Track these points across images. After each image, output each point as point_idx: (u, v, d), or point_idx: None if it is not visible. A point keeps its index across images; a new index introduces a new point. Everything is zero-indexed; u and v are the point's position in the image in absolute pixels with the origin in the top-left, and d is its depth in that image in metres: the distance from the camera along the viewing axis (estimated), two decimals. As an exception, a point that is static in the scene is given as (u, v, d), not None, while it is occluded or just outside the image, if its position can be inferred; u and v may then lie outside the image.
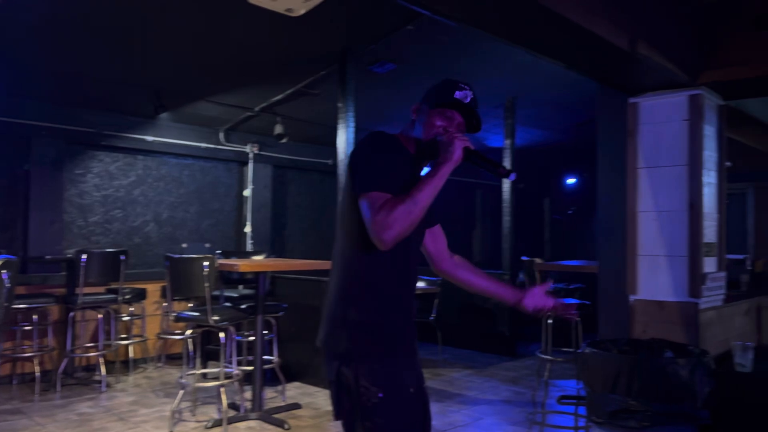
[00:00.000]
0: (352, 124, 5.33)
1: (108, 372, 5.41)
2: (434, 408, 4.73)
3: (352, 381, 1.70)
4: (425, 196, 1.66)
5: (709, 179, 3.40)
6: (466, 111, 1.83)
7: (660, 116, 3.43)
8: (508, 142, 7.08)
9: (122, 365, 5.85)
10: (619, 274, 3.58)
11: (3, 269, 2.49)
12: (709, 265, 3.38)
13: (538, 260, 5.32)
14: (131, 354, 5.92)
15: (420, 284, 6.68)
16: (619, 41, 2.71)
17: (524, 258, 5.53)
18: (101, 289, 5.43)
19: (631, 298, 3.53)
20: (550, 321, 5.34)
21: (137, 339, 6.03)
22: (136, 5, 4.34)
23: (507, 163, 7.11)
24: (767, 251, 7.06)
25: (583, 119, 7.76)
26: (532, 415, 4.68)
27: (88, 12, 4.37)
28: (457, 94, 1.82)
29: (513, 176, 1.86)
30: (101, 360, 5.31)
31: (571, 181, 10.66)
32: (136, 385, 5.34)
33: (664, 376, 2.90)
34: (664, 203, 3.43)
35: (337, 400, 1.78)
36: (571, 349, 5.69)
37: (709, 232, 3.38)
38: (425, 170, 1.82)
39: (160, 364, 6.14)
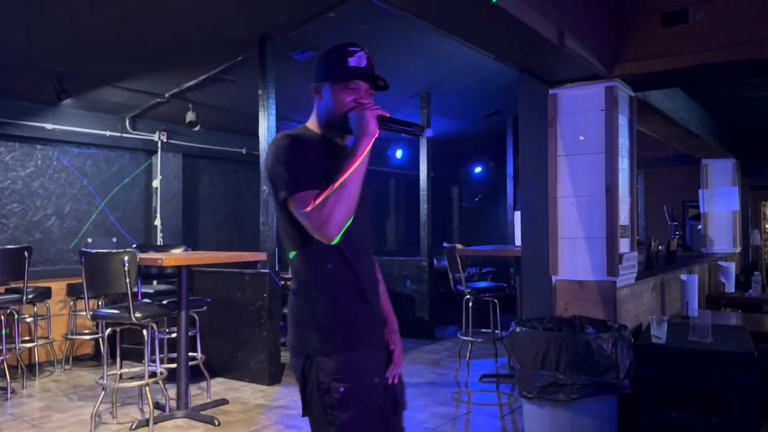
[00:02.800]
0: (273, 112, 5.23)
1: (11, 377, 5.01)
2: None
3: (314, 377, 1.71)
4: (352, 179, 1.64)
5: (623, 165, 3.65)
6: (368, 74, 1.78)
7: (578, 106, 3.64)
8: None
9: (27, 369, 5.44)
10: (542, 256, 3.77)
11: None
12: (624, 245, 3.63)
13: (459, 246, 5.49)
14: (36, 357, 5.52)
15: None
16: (548, 33, 2.84)
17: (446, 244, 5.69)
18: (1, 289, 5.01)
19: (554, 278, 3.73)
20: (471, 305, 5.54)
21: (42, 341, 5.63)
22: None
23: (423, 154, 7.26)
24: (657, 232, 7.68)
25: (492, 109, 8.07)
26: (457, 395, 4.85)
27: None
28: (351, 62, 1.76)
29: (428, 132, 1.88)
30: (4, 364, 4.91)
31: (478, 169, 11.04)
32: (44, 390, 4.99)
33: (589, 351, 3.10)
34: (582, 188, 3.64)
35: (303, 397, 1.77)
36: (488, 330, 5.93)
37: (623, 215, 3.64)
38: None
39: (67, 367, 5.77)
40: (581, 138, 3.63)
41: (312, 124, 1.84)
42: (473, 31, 2.95)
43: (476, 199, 11.05)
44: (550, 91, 3.73)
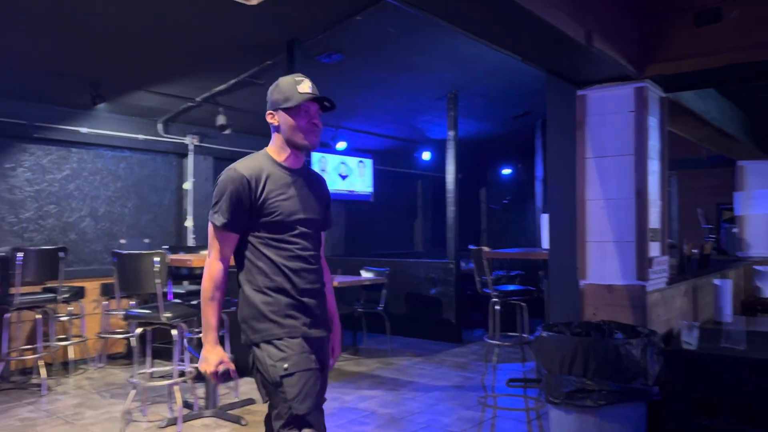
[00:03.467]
0: (300, 115, 5.27)
1: (47, 374, 5.15)
2: (388, 396, 4.81)
3: (260, 362, 2.05)
4: (203, 313, 2.11)
5: (653, 168, 3.59)
6: (316, 97, 2.07)
7: (607, 108, 3.59)
8: (451, 133, 7.20)
9: (62, 367, 5.59)
10: (570, 260, 3.73)
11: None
12: (654, 249, 3.57)
13: (486, 249, 5.46)
14: (71, 355, 5.66)
15: (368, 275, 6.71)
16: (576, 34, 2.81)
17: (472, 246, 5.65)
18: (38, 288, 5.16)
19: (582, 282, 3.68)
20: (498, 307, 5.50)
21: (77, 339, 5.77)
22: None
23: (450, 156, 7.23)
24: (690, 236, 7.51)
25: (520, 111, 8.01)
26: (483, 399, 4.82)
27: (18, 4, 4.12)
28: (301, 88, 2.06)
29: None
30: (40, 362, 5.06)
31: (506, 171, 10.96)
32: (78, 387, 5.12)
33: (618, 356, 3.05)
34: (611, 191, 3.59)
35: (258, 383, 2.08)
36: (516, 334, 5.88)
37: (654, 218, 3.57)
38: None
39: (100, 365, 5.90)
40: (608, 142, 3.58)
41: (271, 149, 2.14)
42: (499, 34, 2.94)
43: (504, 202, 10.97)
44: (579, 92, 3.69)
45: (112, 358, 6.17)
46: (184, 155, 7.24)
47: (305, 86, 2.07)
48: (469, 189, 10.54)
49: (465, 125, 8.26)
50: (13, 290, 4.74)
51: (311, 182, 2.20)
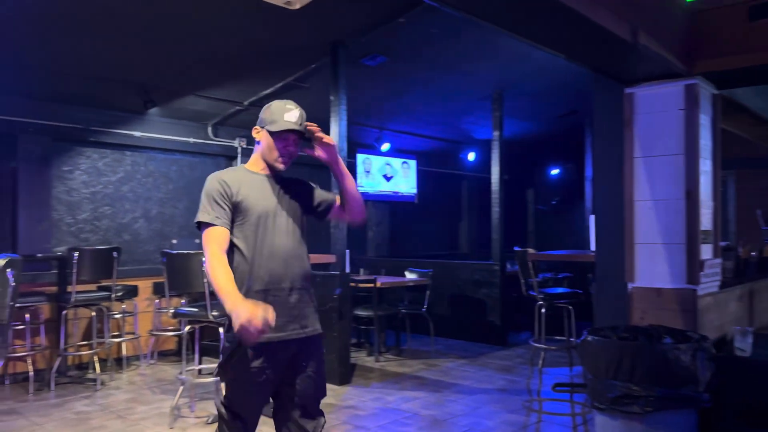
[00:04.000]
0: (344, 118, 5.32)
1: (101, 370, 5.36)
2: (431, 398, 4.79)
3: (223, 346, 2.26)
4: (215, 286, 2.11)
5: (705, 167, 3.46)
6: (296, 130, 2.24)
7: (656, 106, 3.48)
8: (496, 134, 7.12)
9: (115, 363, 5.80)
10: (617, 263, 3.63)
11: (7, 268, 2.46)
12: (706, 252, 3.44)
13: (531, 250, 5.38)
14: (124, 351, 5.86)
15: (411, 276, 6.71)
16: (621, 31, 2.74)
17: (517, 248, 5.58)
18: (93, 287, 5.36)
19: (629, 285, 3.59)
20: (543, 311, 5.41)
21: (129, 336, 5.98)
22: (124, 4, 4.27)
23: (495, 156, 7.15)
24: (748, 238, 7.21)
25: (567, 110, 7.85)
26: (528, 403, 4.74)
27: (76, 8, 4.29)
28: (287, 117, 2.24)
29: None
30: (95, 358, 5.26)
31: (554, 171, 10.76)
32: (130, 383, 5.30)
33: (666, 362, 2.95)
34: (661, 191, 3.48)
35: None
36: (563, 338, 5.77)
37: (706, 219, 3.45)
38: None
39: (152, 361, 6.09)
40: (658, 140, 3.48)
41: (250, 163, 2.36)
42: (541, 32, 2.89)
43: (553, 202, 10.78)
44: (626, 90, 3.60)
45: (163, 355, 6.36)
46: (233, 158, 7.40)
47: (292, 116, 2.24)
48: (516, 190, 10.41)
49: (511, 125, 8.16)
50: (70, 288, 4.95)
51: (287, 184, 2.37)
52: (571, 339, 5.55)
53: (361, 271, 6.68)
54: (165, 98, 6.14)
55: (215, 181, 2.24)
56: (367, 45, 5.38)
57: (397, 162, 8.89)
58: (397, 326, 6.69)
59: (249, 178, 2.29)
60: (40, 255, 5.29)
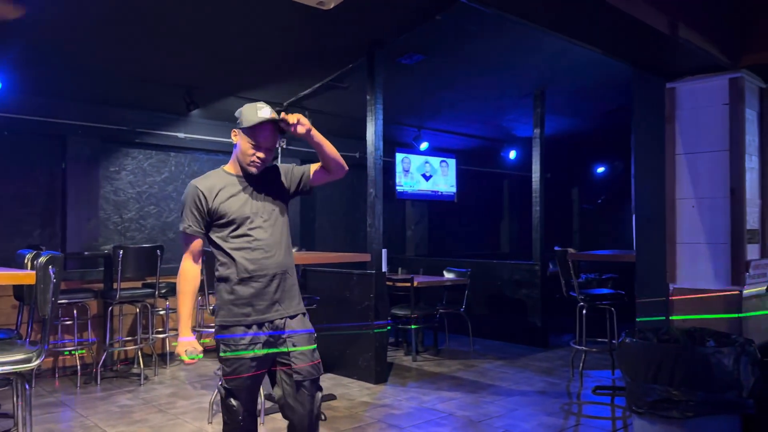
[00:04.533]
0: (380, 117, 5.33)
1: (145, 365, 5.51)
2: (468, 399, 4.75)
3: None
4: (177, 302, 2.45)
5: (751, 164, 3.32)
6: (270, 122, 2.37)
7: (699, 101, 3.36)
8: (537, 131, 7.01)
9: (159, 358, 5.96)
10: (658, 263, 3.53)
11: (49, 265, 2.55)
12: (752, 252, 3.30)
13: (571, 250, 5.27)
14: (167, 347, 6.02)
15: (449, 276, 6.67)
16: (659, 24, 2.66)
17: (557, 248, 5.48)
18: (138, 284, 5.52)
19: (671, 286, 3.48)
20: (585, 312, 5.29)
21: (173, 332, 6.13)
22: (166, 4, 4.38)
23: (536, 154, 7.04)
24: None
25: (613, 107, 7.65)
26: (567, 406, 4.65)
27: (121, 13, 4.43)
28: (260, 114, 2.36)
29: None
30: (139, 353, 5.42)
31: (600, 169, 10.51)
32: (173, 378, 5.44)
33: (708, 366, 2.85)
34: (704, 189, 3.36)
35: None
36: (605, 340, 5.63)
37: (752, 218, 3.31)
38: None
39: (195, 357, 6.22)
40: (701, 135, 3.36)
41: (228, 165, 2.54)
42: (577, 27, 2.83)
43: (599, 201, 10.53)
44: (668, 85, 3.49)
45: (206, 351, 6.45)
46: (274, 158, 7.49)
47: (264, 112, 2.37)
48: (560, 188, 10.21)
49: (554, 122, 8.02)
50: (115, 285, 5.11)
51: (260, 179, 2.50)
52: (614, 341, 5.41)
53: (399, 270, 6.69)
54: (207, 100, 6.27)
55: (192, 190, 2.44)
56: (404, 44, 5.37)
57: (436, 161, 8.85)
58: (435, 326, 6.65)
59: (223, 182, 2.46)
60: (87, 253, 5.48)
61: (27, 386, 2.61)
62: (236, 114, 2.46)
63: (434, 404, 4.60)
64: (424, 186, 8.69)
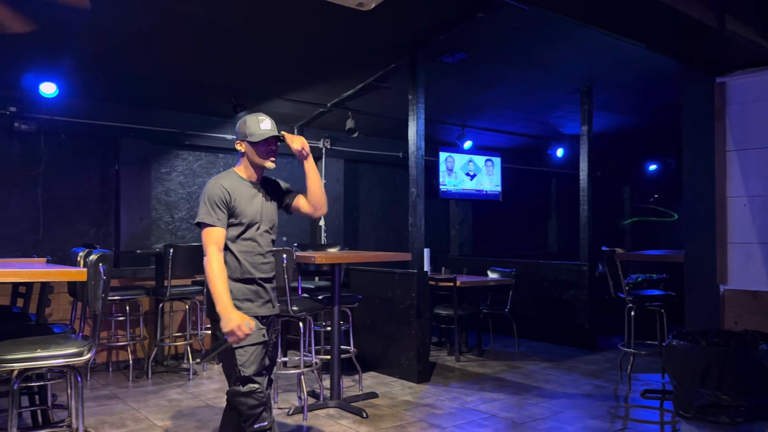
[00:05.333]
0: (422, 116, 5.33)
1: (194, 360, 5.67)
2: (511, 400, 4.70)
3: (221, 332, 2.53)
4: (212, 288, 2.56)
5: (808, 160, 3.18)
6: (274, 135, 2.66)
7: (750, 95, 3.23)
8: (584, 128, 6.87)
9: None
10: (708, 263, 3.41)
11: (100, 263, 2.66)
12: (809, 252, 3.16)
13: (619, 250, 5.14)
14: (215, 343, 6.17)
15: (494, 276, 6.61)
16: (706, 18, 2.57)
17: (604, 248, 5.35)
18: (187, 281, 5.69)
19: (722, 288, 3.36)
20: (633, 314, 5.15)
21: (221, 329, 6.28)
22: (214, 10, 4.50)
23: (583, 152, 6.90)
24: None
25: (664, 102, 7.43)
26: (614, 409, 4.54)
27: (171, 20, 4.58)
28: (263, 126, 2.65)
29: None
30: (188, 349, 5.58)
31: (652, 167, 10.21)
32: (220, 373, 5.57)
33: (760, 370, 2.75)
34: (756, 187, 3.23)
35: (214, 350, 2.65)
36: (655, 342, 5.48)
37: (809, 217, 3.17)
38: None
39: (242, 354, 6.36)
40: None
41: (239, 169, 2.75)
42: (622, 23, 2.77)
43: (651, 200, 10.23)
44: (717, 80, 3.37)
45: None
46: (318, 158, 7.60)
47: (266, 124, 2.66)
48: (610, 187, 9.97)
49: (604, 119, 7.84)
50: (166, 283, 5.28)
51: (267, 189, 2.78)
52: (664, 343, 5.25)
53: (443, 269, 6.66)
54: (253, 102, 6.40)
55: (217, 187, 2.61)
56: (446, 42, 5.36)
57: (480, 159, 8.78)
58: (479, 326, 6.60)
59: (240, 185, 2.68)
60: (139, 251, 5.68)
61: (79, 378, 2.73)
62: (238, 127, 2.69)
63: (477, 405, 4.57)
64: (468, 185, 8.63)
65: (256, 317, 2.65)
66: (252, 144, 2.66)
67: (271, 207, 2.78)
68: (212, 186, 2.63)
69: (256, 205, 2.69)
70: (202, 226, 2.60)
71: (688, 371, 2.95)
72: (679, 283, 7.36)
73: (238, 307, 2.57)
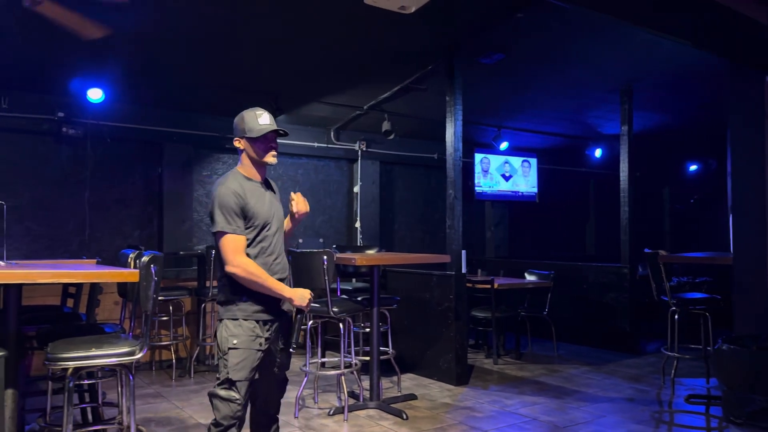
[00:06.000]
0: (460, 118, 5.32)
1: (235, 360, 5.75)
2: (552, 404, 4.65)
3: (219, 334, 2.58)
4: (261, 289, 2.52)
5: None
6: (273, 129, 2.57)
7: (804, 93, 3.15)
8: (624, 128, 6.76)
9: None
10: (759, 266, 3.32)
11: (151, 264, 2.73)
12: None
13: (662, 252, 5.04)
14: (255, 344, 6.26)
15: (531, 278, 6.55)
16: (756, 13, 2.51)
17: (647, 250, 5.25)
18: (228, 282, 5.78)
19: (773, 291, 3.27)
20: (677, 317, 5.05)
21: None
22: (252, 16, 4.58)
23: (624, 152, 6.79)
24: None
25: (704, 101, 7.27)
26: (658, 414, 4.46)
27: (211, 26, 4.67)
28: (261, 122, 2.57)
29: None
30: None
31: (692, 167, 9.98)
32: (260, 373, 5.65)
33: (815, 376, 2.67)
34: (810, 188, 3.14)
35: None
36: (698, 346, 5.35)
37: None
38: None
39: (280, 354, 6.43)
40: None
41: (241, 168, 2.65)
42: (666, 20, 2.72)
43: (691, 201, 10.00)
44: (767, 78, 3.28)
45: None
46: (354, 160, 7.65)
47: (265, 119, 2.58)
48: (649, 188, 9.78)
49: (643, 119, 7.70)
50: (208, 283, 5.38)
51: (271, 189, 2.73)
52: (708, 348, 5.14)
53: (479, 271, 6.63)
54: (291, 106, 6.48)
55: (231, 194, 2.52)
56: (484, 43, 5.34)
57: (516, 161, 8.71)
58: (516, 329, 6.56)
59: (250, 187, 2.60)
60: (182, 252, 5.80)
61: (131, 377, 2.80)
62: (236, 123, 2.61)
63: (517, 408, 4.54)
64: (504, 186, 8.58)
65: (261, 321, 2.57)
66: (251, 140, 2.58)
67: (279, 205, 2.73)
68: (224, 193, 2.51)
69: (267, 205, 2.63)
70: (219, 234, 2.50)
71: (739, 376, 2.88)
72: (723, 286, 7.22)
73: (245, 311, 2.53)
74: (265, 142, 2.58)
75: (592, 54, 5.76)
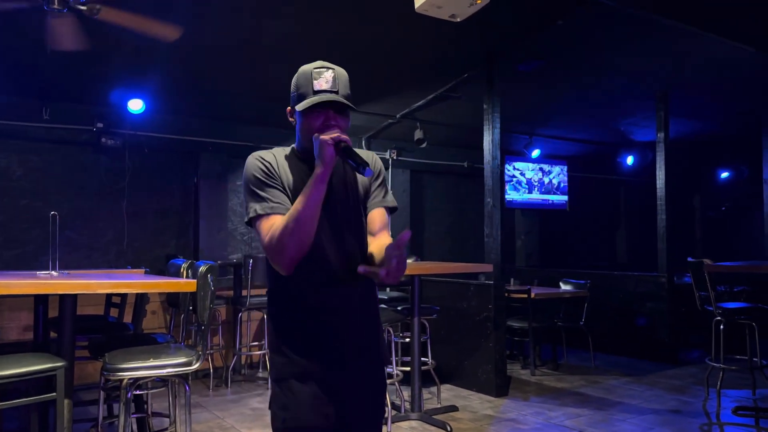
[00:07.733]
0: (497, 125, 5.28)
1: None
2: (597, 416, 4.56)
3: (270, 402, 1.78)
4: (306, 211, 1.59)
5: None
6: (330, 101, 1.69)
7: None
8: (660, 135, 6.66)
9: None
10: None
11: (208, 274, 2.73)
12: None
13: (707, 261, 4.94)
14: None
15: (567, 288, 6.47)
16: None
17: (690, 259, 5.16)
18: (264, 291, 5.78)
19: (835, 301, 3.17)
20: (722, 327, 4.94)
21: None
22: (288, 28, 4.59)
23: (660, 159, 6.69)
24: None
25: (744, 108, 7.16)
26: (707, 427, 4.36)
27: (246, 39, 4.69)
28: (317, 85, 1.71)
29: (368, 172, 1.68)
30: (266, 358, 5.66)
31: (724, 175, 9.83)
32: (297, 383, 5.62)
33: None
34: None
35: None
36: (743, 357, 5.23)
37: None
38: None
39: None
40: None
41: (296, 147, 1.86)
42: (730, 25, 2.67)
43: (722, 208, 9.84)
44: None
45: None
46: (385, 169, 7.63)
47: (323, 81, 1.71)
48: (680, 195, 9.63)
49: (677, 125, 7.59)
50: (244, 292, 5.38)
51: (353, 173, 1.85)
52: (755, 359, 5.02)
53: (512, 281, 6.56)
54: (325, 114, 6.48)
55: (255, 159, 1.82)
56: (523, 51, 5.30)
57: (546, 168, 8.63)
58: (552, 339, 6.46)
59: (296, 165, 1.84)
60: (219, 262, 5.81)
61: (187, 387, 2.79)
62: (292, 85, 1.82)
63: (562, 420, 4.46)
64: (534, 195, 8.50)
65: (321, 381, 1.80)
66: (300, 114, 1.75)
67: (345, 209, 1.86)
68: (248, 163, 1.83)
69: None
70: (253, 223, 1.75)
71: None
72: (762, 295, 7.04)
73: (290, 360, 1.73)
74: (318, 118, 1.72)
75: (630, 61, 5.69)
